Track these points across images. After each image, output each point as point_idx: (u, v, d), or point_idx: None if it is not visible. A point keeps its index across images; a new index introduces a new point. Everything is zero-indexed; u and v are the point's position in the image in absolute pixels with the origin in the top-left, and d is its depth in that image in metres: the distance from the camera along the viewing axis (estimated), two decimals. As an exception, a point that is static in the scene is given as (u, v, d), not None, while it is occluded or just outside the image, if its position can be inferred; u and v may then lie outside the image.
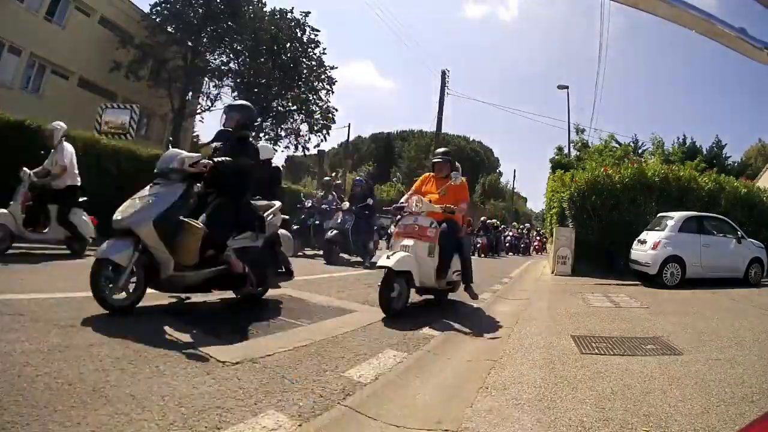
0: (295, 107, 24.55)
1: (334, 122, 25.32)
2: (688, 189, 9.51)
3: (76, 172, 5.66)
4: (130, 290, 2.88)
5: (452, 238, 4.10)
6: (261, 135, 25.01)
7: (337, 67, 26.47)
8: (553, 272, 9.32)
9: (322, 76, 24.56)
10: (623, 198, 9.26)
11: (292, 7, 23.38)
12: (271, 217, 3.73)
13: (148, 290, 3.02)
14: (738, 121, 59.85)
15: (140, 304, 2.98)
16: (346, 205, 8.39)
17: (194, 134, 28.00)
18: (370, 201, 8.50)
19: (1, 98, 13.62)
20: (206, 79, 22.47)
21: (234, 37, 21.12)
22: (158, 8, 19.97)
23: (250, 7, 21.76)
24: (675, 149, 22.39)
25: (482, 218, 18.01)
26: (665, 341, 3.30)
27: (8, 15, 14.64)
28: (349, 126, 36.13)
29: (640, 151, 21.79)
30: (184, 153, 3.20)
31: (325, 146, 29.00)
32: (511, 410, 1.94)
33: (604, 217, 9.26)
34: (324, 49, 24.12)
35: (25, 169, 5.36)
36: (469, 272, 4.34)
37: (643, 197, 9.26)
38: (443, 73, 22.91)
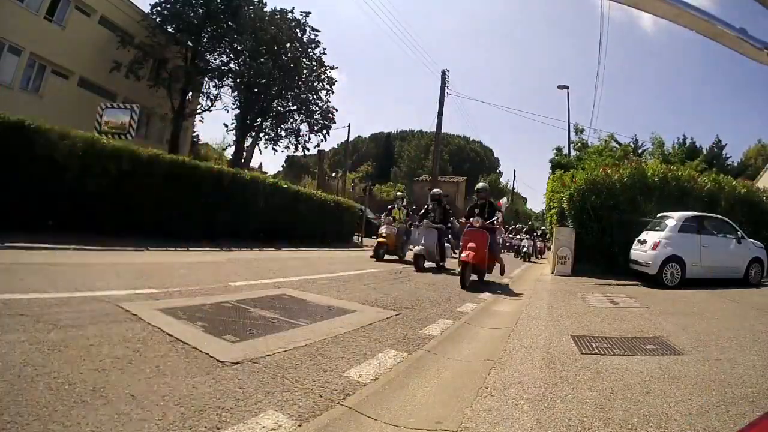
0: (295, 107, 24.59)
1: (334, 122, 25.40)
2: (687, 189, 9.49)
3: None
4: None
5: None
6: (261, 135, 25.05)
7: (337, 67, 26.53)
8: (553, 272, 9.31)
9: (322, 76, 24.60)
10: (623, 198, 9.24)
11: (293, 8, 23.46)
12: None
13: (145, 292, 3.13)
14: (738, 121, 59.94)
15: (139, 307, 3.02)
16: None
17: (194, 134, 28.04)
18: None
19: (1, 98, 13.64)
20: (206, 79, 22.49)
21: (234, 37, 21.11)
22: (158, 8, 19.98)
23: (251, 7, 21.77)
24: (675, 149, 22.40)
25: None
26: (665, 341, 3.30)
27: (8, 15, 14.63)
28: (349, 126, 36.18)
29: (640, 151, 21.80)
30: None
31: (325, 146, 29.09)
32: (511, 410, 1.93)
33: (604, 217, 9.24)
34: (324, 49, 24.19)
35: None
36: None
37: (642, 197, 9.24)
38: (443, 73, 22.93)
